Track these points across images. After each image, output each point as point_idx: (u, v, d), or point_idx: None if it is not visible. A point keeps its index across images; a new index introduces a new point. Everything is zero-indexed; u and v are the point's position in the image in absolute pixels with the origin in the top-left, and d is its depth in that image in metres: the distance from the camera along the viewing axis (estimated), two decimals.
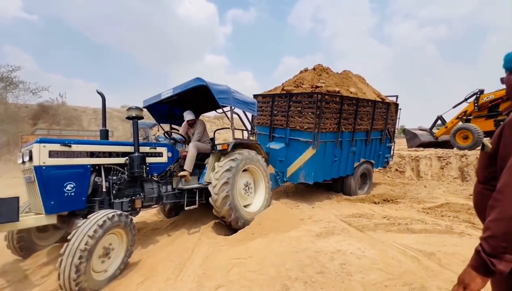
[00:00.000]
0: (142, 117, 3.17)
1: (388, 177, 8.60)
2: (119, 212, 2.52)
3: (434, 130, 11.52)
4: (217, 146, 3.92)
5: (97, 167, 2.92)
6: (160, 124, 4.90)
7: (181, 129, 4.41)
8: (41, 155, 2.46)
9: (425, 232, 3.50)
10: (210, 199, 3.54)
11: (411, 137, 11.59)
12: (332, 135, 5.25)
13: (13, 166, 11.77)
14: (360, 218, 4.15)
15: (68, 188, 2.61)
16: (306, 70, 6.28)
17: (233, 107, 3.97)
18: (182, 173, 3.69)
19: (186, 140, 4.38)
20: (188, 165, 3.73)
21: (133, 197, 3.15)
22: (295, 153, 5.19)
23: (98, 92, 3.19)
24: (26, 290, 2.47)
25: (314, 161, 4.97)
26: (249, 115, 4.72)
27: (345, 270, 2.41)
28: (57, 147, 2.58)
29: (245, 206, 3.89)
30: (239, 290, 2.23)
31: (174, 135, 4.40)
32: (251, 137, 4.75)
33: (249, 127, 4.60)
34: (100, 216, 2.34)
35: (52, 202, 2.50)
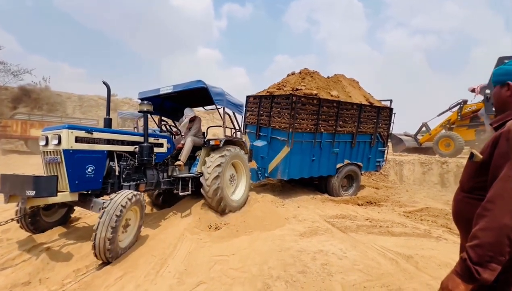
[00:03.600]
0: (152, 112, 3.45)
1: (373, 179, 8.80)
2: (135, 192, 2.86)
3: (419, 136, 11.88)
4: (211, 141, 4.21)
5: (111, 153, 3.21)
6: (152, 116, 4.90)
7: (183, 123, 4.70)
8: (69, 140, 2.72)
9: (404, 235, 3.60)
10: (202, 189, 3.86)
11: (397, 142, 11.90)
12: (309, 136, 5.52)
13: None
14: (343, 219, 4.23)
15: (89, 170, 2.91)
16: (293, 73, 6.65)
17: (225, 108, 4.30)
18: (178, 163, 3.98)
19: (180, 133, 4.69)
20: (184, 156, 4.03)
21: (138, 182, 3.47)
22: (275, 150, 5.53)
23: (104, 82, 3.32)
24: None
25: (288, 158, 5.30)
26: (238, 116, 5.09)
27: (326, 270, 2.44)
28: (82, 133, 2.87)
29: (230, 195, 4.30)
30: (220, 287, 2.22)
31: (169, 128, 4.69)
32: (238, 135, 5.13)
33: (236, 126, 5.03)
34: (122, 197, 2.68)
35: (76, 182, 2.79)
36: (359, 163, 6.45)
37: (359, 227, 3.85)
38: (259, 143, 5.84)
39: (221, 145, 4.14)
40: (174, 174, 4.01)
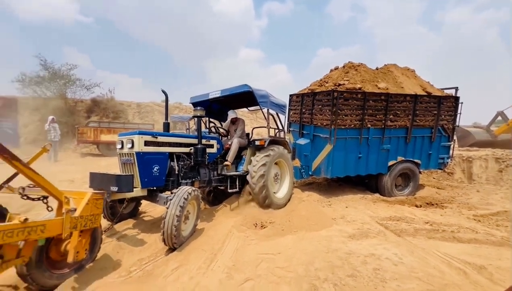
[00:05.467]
0: (204, 116, 3.76)
1: (434, 178, 7.88)
2: (193, 188, 3.18)
3: (493, 127, 10.22)
4: (256, 141, 4.44)
5: (171, 154, 3.56)
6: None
7: (225, 124, 5.01)
8: (140, 144, 3.12)
9: (475, 242, 3.15)
10: (248, 186, 4.15)
11: (463, 136, 10.44)
12: (354, 132, 5.25)
13: (71, 154, 13.30)
14: (398, 222, 3.89)
15: (155, 169, 3.27)
16: (336, 68, 6.38)
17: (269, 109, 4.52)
18: (225, 163, 4.26)
19: (226, 134, 4.94)
20: (231, 157, 4.30)
21: (193, 179, 3.81)
22: (318, 148, 5.43)
23: (163, 91, 3.70)
24: None
25: (331, 156, 5.14)
26: (282, 116, 5.17)
27: (379, 276, 2.28)
28: (149, 138, 3.24)
29: (274, 193, 4.48)
30: (266, 285, 2.25)
31: (219, 130, 4.97)
32: (281, 134, 5.20)
33: (280, 126, 5.12)
34: (183, 192, 3.00)
35: (146, 179, 3.16)
36: (416, 160, 5.84)
37: (417, 231, 3.49)
38: (302, 141, 5.78)
39: (265, 145, 4.32)
40: (223, 172, 4.28)
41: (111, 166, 3.67)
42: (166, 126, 3.91)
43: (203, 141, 3.88)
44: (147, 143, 3.20)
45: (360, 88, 5.19)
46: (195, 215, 3.30)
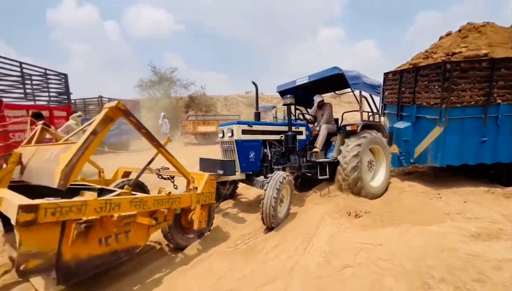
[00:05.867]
0: (294, 104, 3.83)
1: None
2: (287, 173, 3.29)
3: None
4: (347, 127, 4.25)
5: (264, 142, 3.78)
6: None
7: (311, 110, 4.91)
8: (238, 132, 3.43)
9: None
10: (339, 176, 4.02)
11: None
12: (474, 110, 4.28)
13: (176, 143, 15.89)
14: None
15: (251, 155, 3.56)
16: (447, 34, 5.19)
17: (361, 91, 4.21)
18: (314, 150, 4.26)
19: (314, 120, 4.85)
20: (320, 143, 4.27)
21: (284, 165, 3.92)
22: (422, 131, 4.68)
23: (253, 82, 3.98)
24: None
25: (442, 140, 4.35)
26: (376, 98, 4.69)
27: None
28: (246, 127, 3.52)
29: (368, 182, 4.21)
30: (368, 274, 2.16)
31: (306, 116, 4.96)
32: (375, 118, 4.77)
33: (374, 109, 4.67)
34: (278, 176, 3.16)
35: (244, 164, 3.47)
36: None
37: None
38: (401, 124, 5.10)
39: (358, 130, 4.10)
40: (312, 159, 4.27)
41: (209, 153, 4.22)
42: (257, 115, 4.18)
43: (293, 128, 3.95)
44: (244, 132, 3.48)
45: (486, 55, 4.15)
46: (289, 199, 3.43)
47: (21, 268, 1.52)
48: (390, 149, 4.78)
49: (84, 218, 1.77)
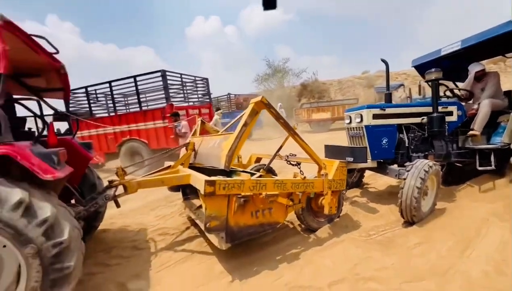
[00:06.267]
0: (441, 78, 3.19)
1: None
2: (433, 162, 2.86)
3: None
4: None
5: (400, 126, 3.38)
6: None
7: (464, 84, 3.89)
8: (368, 117, 3.17)
9: None
10: None
11: None
12: None
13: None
14: None
15: (384, 142, 3.25)
16: None
17: None
18: (472, 132, 3.45)
19: (469, 96, 3.87)
20: (479, 124, 3.43)
21: (426, 153, 3.39)
22: None
23: (382, 60, 3.60)
24: None
25: None
26: None
27: None
28: (377, 111, 3.22)
29: None
30: None
31: (456, 92, 4.05)
32: None
33: None
34: (422, 164, 2.77)
35: (375, 151, 3.21)
36: None
37: None
38: None
39: None
40: (467, 145, 3.47)
41: (326, 140, 4.11)
42: (388, 97, 3.73)
43: (439, 108, 3.29)
44: (375, 116, 3.19)
45: None
46: (435, 192, 2.93)
47: (207, 226, 2.13)
48: None
49: (242, 194, 2.25)
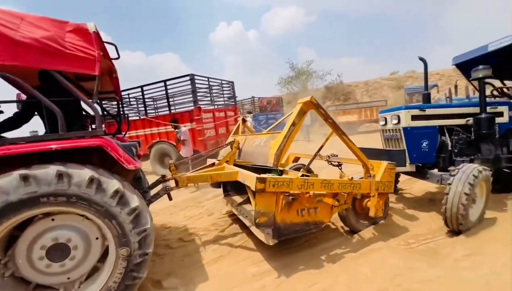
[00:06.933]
0: (491, 76, 2.92)
1: None
2: (483, 167, 2.66)
3: None
4: None
5: (442, 128, 3.20)
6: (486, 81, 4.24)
7: None
8: (406, 119, 3.03)
9: None
10: None
11: None
12: None
13: (317, 134, 16.26)
14: None
15: (424, 144, 3.09)
16: None
17: None
18: None
19: None
20: None
21: (472, 157, 3.16)
22: None
23: (420, 58, 3.44)
24: None
25: None
26: None
27: None
28: (416, 112, 3.07)
29: None
30: None
31: (506, 91, 3.77)
32: None
33: None
34: (470, 169, 2.57)
35: (414, 155, 3.05)
36: None
37: None
38: None
39: None
40: None
41: (356, 143, 3.92)
42: (427, 97, 3.53)
43: (488, 109, 3.04)
44: (414, 117, 3.03)
45: None
46: (484, 200, 2.70)
47: (256, 221, 2.17)
48: None
49: (290, 192, 2.27)
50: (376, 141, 3.78)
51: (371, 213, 2.58)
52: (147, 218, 1.94)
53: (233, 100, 9.28)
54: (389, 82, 21.15)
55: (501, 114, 3.17)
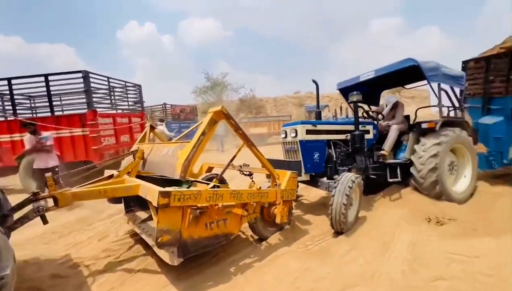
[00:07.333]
0: (362, 101, 3.54)
1: None
2: (356, 175, 3.09)
3: None
4: (422, 124, 3.84)
5: (328, 142, 3.63)
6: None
7: (385, 111, 4.46)
8: (302, 132, 3.35)
9: None
10: (412, 169, 3.69)
11: None
12: None
13: (231, 145, 16.61)
14: None
15: (315, 156, 3.45)
16: None
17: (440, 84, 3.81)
18: (382, 152, 3.96)
19: (382, 118, 4.45)
20: (389, 146, 4.00)
21: (350, 166, 3.69)
22: None
23: (313, 81, 3.89)
24: None
25: None
26: (457, 90, 4.18)
27: None
28: (310, 127, 3.43)
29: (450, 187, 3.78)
30: (469, 290, 1.92)
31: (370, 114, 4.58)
32: (456, 113, 4.26)
33: (456, 103, 4.19)
34: (347, 179, 2.96)
35: (308, 165, 3.37)
36: None
37: None
38: (490, 119, 4.44)
39: (437, 128, 3.67)
40: (380, 160, 3.97)
41: (264, 154, 4.24)
42: (318, 114, 4.07)
43: (360, 127, 3.73)
44: (308, 131, 3.39)
45: None
46: (358, 202, 3.26)
47: (158, 240, 1.91)
48: (476, 149, 4.19)
49: (198, 205, 2.13)
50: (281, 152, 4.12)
51: (277, 220, 2.72)
52: (5, 261, 1.43)
53: (140, 105, 8.39)
54: (293, 100, 24.07)
55: (368, 132, 3.90)
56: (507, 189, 3.98)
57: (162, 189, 1.96)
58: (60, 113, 6.67)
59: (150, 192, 2.06)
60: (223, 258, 2.69)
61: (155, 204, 1.90)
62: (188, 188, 2.53)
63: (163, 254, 2.27)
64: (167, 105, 15.05)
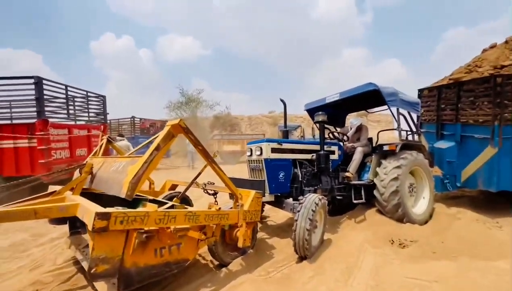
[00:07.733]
0: (326, 121, 3.52)
1: None
2: (320, 196, 2.98)
3: None
4: (384, 146, 3.92)
5: (294, 161, 3.56)
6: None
7: (350, 133, 4.55)
8: (267, 151, 3.25)
9: None
10: (375, 191, 3.70)
11: None
12: None
13: (203, 162, 16.15)
14: None
15: (281, 175, 3.33)
16: (492, 47, 4.94)
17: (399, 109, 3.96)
18: (347, 174, 3.92)
19: (347, 139, 4.54)
20: (354, 168, 3.99)
21: (316, 187, 3.58)
22: (469, 152, 4.34)
23: (281, 100, 3.87)
24: None
25: (496, 162, 3.97)
26: (414, 115, 4.42)
27: None
28: (275, 145, 3.34)
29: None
30: None
31: (335, 135, 4.65)
32: (414, 137, 4.49)
33: (413, 127, 4.39)
34: (313, 198, 2.88)
35: (273, 185, 3.26)
36: None
37: None
38: (443, 144, 4.73)
39: (397, 151, 3.77)
40: (345, 181, 3.96)
41: (234, 172, 4.10)
42: (286, 134, 4.01)
43: (326, 147, 3.70)
44: (273, 150, 3.30)
45: None
46: (323, 224, 3.15)
47: (92, 271, 1.62)
48: (432, 171, 4.40)
49: (146, 228, 1.87)
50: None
51: (239, 244, 2.51)
52: None
53: (102, 117, 7.86)
54: (267, 119, 24.47)
55: (333, 152, 3.92)
56: (462, 210, 4.18)
57: (100, 210, 1.70)
58: (9, 122, 5.97)
59: (87, 213, 1.76)
60: (175, 289, 2.39)
61: (90, 227, 1.63)
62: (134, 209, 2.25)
63: (101, 286, 1.95)
64: (135, 119, 14.39)
